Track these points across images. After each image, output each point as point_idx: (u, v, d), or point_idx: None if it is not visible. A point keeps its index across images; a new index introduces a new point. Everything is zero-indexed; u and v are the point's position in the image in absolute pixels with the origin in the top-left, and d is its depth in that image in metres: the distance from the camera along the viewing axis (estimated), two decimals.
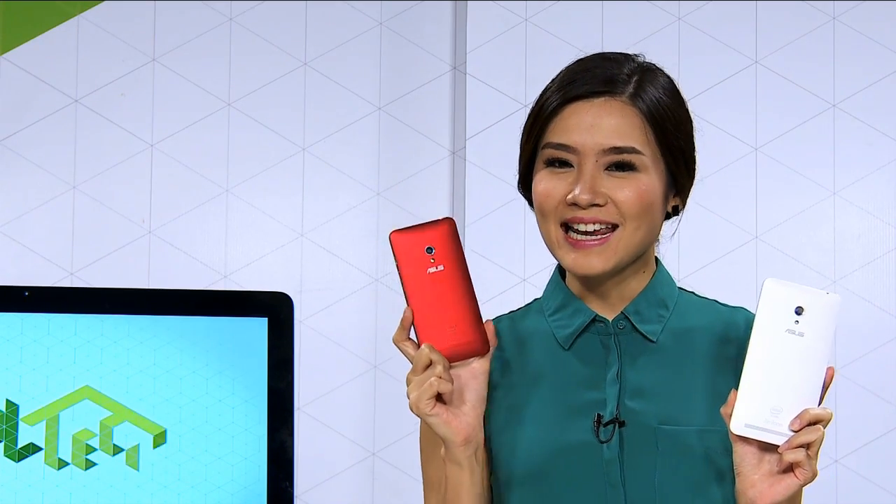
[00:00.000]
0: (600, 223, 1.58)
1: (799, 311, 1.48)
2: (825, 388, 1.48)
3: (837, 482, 2.92)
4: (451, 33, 3.08)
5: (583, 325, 1.64)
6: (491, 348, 1.55)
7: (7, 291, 2.10)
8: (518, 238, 2.96)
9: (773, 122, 3.00)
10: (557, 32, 2.99)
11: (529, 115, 1.65)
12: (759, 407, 1.47)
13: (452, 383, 1.53)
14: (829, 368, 1.48)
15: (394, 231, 1.53)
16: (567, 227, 1.60)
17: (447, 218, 1.54)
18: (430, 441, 1.67)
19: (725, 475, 1.52)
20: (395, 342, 1.55)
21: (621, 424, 1.59)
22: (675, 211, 1.67)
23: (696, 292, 1.70)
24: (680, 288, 1.69)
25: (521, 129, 1.67)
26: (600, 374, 1.62)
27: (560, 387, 1.63)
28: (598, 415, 1.60)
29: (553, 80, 1.64)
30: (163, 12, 3.05)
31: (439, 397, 1.53)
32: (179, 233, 3.02)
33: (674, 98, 1.63)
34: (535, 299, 1.72)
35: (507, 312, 1.73)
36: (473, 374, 1.55)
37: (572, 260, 1.59)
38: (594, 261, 1.59)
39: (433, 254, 1.53)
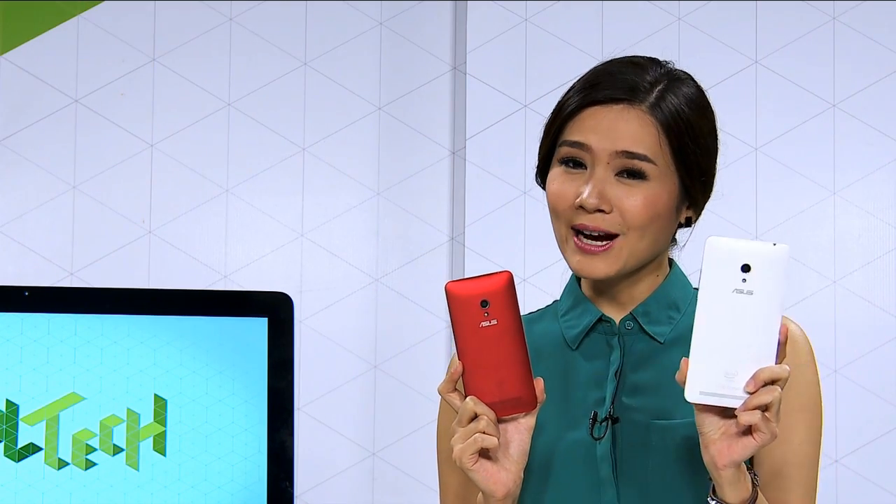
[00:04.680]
0: (602, 232, 1.59)
1: (745, 268, 1.43)
2: (780, 345, 1.44)
3: (837, 482, 2.92)
4: (451, 33, 3.08)
5: (589, 325, 1.66)
6: (538, 404, 1.53)
7: (7, 291, 2.10)
8: (518, 238, 2.96)
9: (773, 122, 3.00)
10: (557, 32, 2.99)
11: (552, 112, 1.66)
12: (713, 372, 1.43)
13: (498, 437, 1.51)
14: (782, 326, 1.43)
15: (450, 282, 1.52)
16: (575, 230, 1.61)
17: (505, 271, 1.53)
18: (448, 447, 1.67)
19: None
20: (441, 392, 1.54)
21: (614, 421, 1.60)
22: (689, 222, 1.67)
23: None
24: (696, 289, 1.69)
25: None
26: (603, 373, 1.64)
27: (567, 386, 1.64)
28: (595, 412, 1.61)
29: (579, 79, 1.66)
30: (163, 12, 3.05)
31: (483, 452, 1.52)
32: (179, 233, 3.01)
33: (697, 111, 1.63)
34: (555, 301, 1.73)
35: (525, 314, 1.74)
36: (518, 429, 1.54)
37: (577, 262, 1.61)
38: (598, 265, 1.60)
39: (487, 307, 1.51)
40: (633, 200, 1.58)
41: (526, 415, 1.53)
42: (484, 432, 1.50)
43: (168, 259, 3.01)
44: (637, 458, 1.59)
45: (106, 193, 3.01)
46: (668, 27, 3.00)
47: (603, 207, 1.58)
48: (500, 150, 2.96)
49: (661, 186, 1.60)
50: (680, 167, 1.61)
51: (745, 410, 1.42)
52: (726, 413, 1.44)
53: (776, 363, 1.43)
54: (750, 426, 1.43)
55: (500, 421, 1.53)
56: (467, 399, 1.51)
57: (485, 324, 1.51)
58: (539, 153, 1.68)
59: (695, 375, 1.43)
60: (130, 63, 3.04)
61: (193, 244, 3.02)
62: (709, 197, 1.66)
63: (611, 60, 1.66)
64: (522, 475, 1.55)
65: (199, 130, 3.04)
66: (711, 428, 1.45)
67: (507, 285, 1.52)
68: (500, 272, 1.52)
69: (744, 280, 1.43)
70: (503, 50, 2.99)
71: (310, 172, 3.05)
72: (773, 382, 1.42)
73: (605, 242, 1.60)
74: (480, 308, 1.51)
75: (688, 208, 1.65)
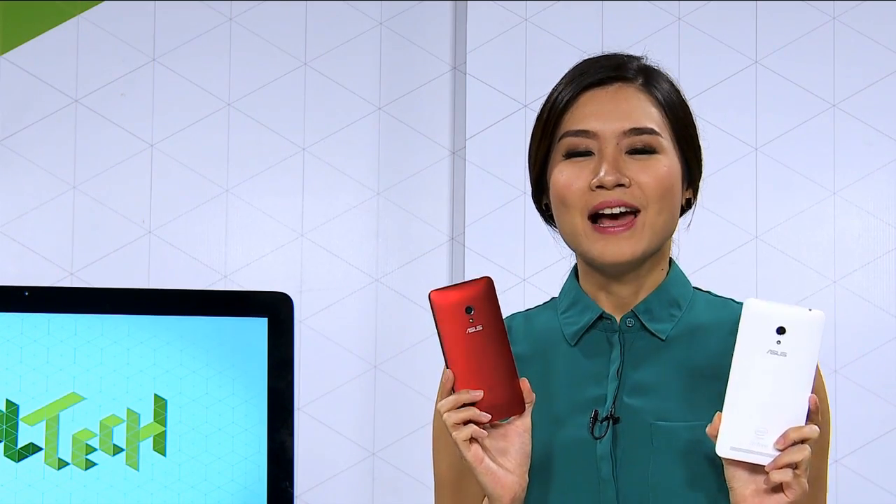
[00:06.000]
0: (625, 206, 1.59)
1: (781, 331, 1.47)
2: (811, 412, 1.48)
3: (837, 482, 2.92)
4: (451, 33, 3.08)
5: (589, 322, 1.65)
6: (528, 406, 1.54)
7: (7, 291, 2.10)
8: (518, 238, 2.96)
9: (773, 122, 3.00)
10: (557, 32, 2.99)
11: (540, 116, 1.66)
12: (744, 429, 1.47)
13: (479, 424, 1.52)
14: (812, 395, 1.47)
15: (433, 291, 1.54)
16: (592, 217, 1.60)
17: (485, 277, 1.54)
18: (443, 437, 1.67)
19: (721, 470, 1.52)
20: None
21: (615, 421, 1.60)
22: (689, 204, 1.68)
23: (713, 292, 1.71)
24: (696, 288, 1.70)
25: (529, 136, 1.67)
26: (603, 370, 1.63)
27: (567, 383, 1.64)
28: (595, 411, 1.61)
29: (560, 81, 1.66)
30: (163, 12, 3.05)
31: (489, 454, 1.53)
32: (179, 233, 3.01)
33: (679, 92, 1.67)
34: (553, 298, 1.73)
35: (523, 310, 1.74)
36: (517, 432, 1.55)
37: (601, 249, 1.60)
38: (623, 247, 1.60)
39: (472, 314, 1.53)
40: (649, 174, 1.60)
41: (520, 417, 1.54)
42: (466, 423, 1.51)
43: (168, 259, 3.01)
44: (638, 459, 1.59)
45: (106, 193, 3.01)
46: (668, 27, 3.00)
47: (622, 182, 1.58)
48: (500, 150, 2.96)
49: (670, 158, 1.61)
50: (681, 140, 1.63)
51: (775, 468, 1.46)
52: (755, 469, 1.48)
53: (805, 423, 1.47)
54: (781, 483, 1.46)
55: (494, 426, 1.54)
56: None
57: (471, 330, 1.53)
58: (533, 165, 1.67)
59: (726, 431, 1.47)
60: (130, 63, 3.04)
61: (193, 244, 3.02)
62: (701, 174, 1.68)
63: (587, 58, 1.68)
64: (527, 478, 1.56)
65: (199, 130, 3.04)
66: (741, 483, 1.49)
67: (489, 290, 1.53)
68: (481, 278, 1.54)
69: (778, 342, 1.47)
70: (503, 50, 2.99)
71: (310, 172, 3.05)
72: (802, 441, 1.46)
73: (625, 222, 1.59)
74: (465, 314, 1.53)
75: (687, 188, 1.66)
